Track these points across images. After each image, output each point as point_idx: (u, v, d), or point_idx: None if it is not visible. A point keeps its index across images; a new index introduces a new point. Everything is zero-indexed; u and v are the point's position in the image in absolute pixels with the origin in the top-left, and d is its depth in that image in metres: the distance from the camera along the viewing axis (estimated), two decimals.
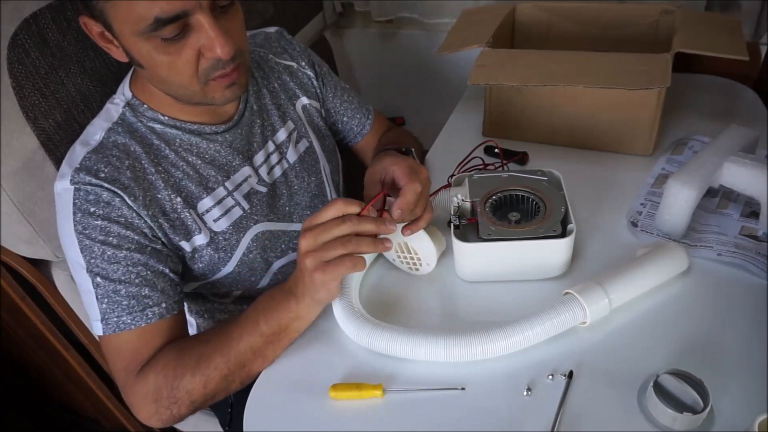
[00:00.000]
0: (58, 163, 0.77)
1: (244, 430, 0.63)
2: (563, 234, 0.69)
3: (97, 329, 0.69)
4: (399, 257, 0.76)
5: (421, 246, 0.73)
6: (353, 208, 0.62)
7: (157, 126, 0.74)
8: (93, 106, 0.81)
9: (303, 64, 0.90)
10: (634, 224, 0.79)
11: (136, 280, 0.68)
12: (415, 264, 0.75)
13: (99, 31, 0.64)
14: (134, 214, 0.69)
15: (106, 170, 0.69)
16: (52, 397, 1.30)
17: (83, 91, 0.81)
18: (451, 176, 0.85)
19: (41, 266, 0.85)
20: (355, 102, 0.97)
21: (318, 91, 0.91)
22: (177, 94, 0.70)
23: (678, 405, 0.56)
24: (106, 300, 0.68)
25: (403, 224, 0.70)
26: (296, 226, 0.85)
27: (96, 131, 0.72)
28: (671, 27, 0.99)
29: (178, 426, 1.08)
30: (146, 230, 0.70)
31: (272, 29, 0.92)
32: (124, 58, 0.67)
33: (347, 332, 0.68)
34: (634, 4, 1.03)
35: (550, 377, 0.62)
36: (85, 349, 0.97)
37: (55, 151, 0.78)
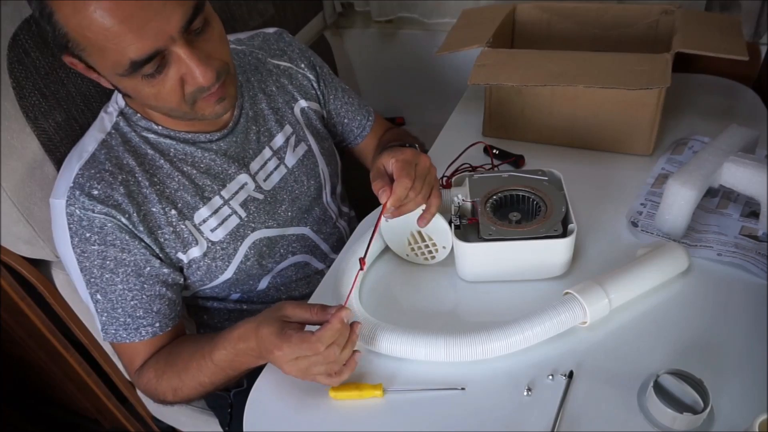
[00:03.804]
0: (58, 163, 0.77)
1: (244, 430, 0.63)
2: (564, 234, 0.69)
3: (101, 334, 0.73)
4: (413, 250, 0.76)
5: (436, 228, 0.72)
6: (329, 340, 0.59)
7: (151, 136, 0.73)
8: (93, 106, 0.81)
9: (302, 66, 0.89)
10: (635, 224, 0.79)
11: (132, 303, 0.70)
12: (430, 252, 0.75)
13: (84, 67, 0.64)
14: (128, 236, 0.69)
15: (99, 187, 0.68)
16: (52, 397, 1.30)
17: (83, 91, 0.81)
18: (442, 178, 0.86)
19: (41, 266, 0.85)
20: (356, 103, 0.97)
21: (318, 93, 0.91)
22: (168, 115, 0.70)
23: (678, 405, 0.56)
24: (105, 314, 0.71)
25: (415, 215, 0.71)
26: (293, 230, 0.85)
27: (89, 142, 0.72)
28: (671, 27, 0.99)
29: (178, 426, 1.08)
30: (143, 249, 0.70)
31: (271, 30, 0.91)
32: (111, 87, 0.67)
33: None
34: (634, 4, 1.03)
35: (550, 377, 0.62)
36: (85, 349, 0.97)
37: (55, 151, 0.78)
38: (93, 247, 0.68)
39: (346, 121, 0.96)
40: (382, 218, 0.74)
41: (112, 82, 0.64)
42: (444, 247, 0.74)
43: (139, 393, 0.91)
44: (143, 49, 0.58)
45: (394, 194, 0.66)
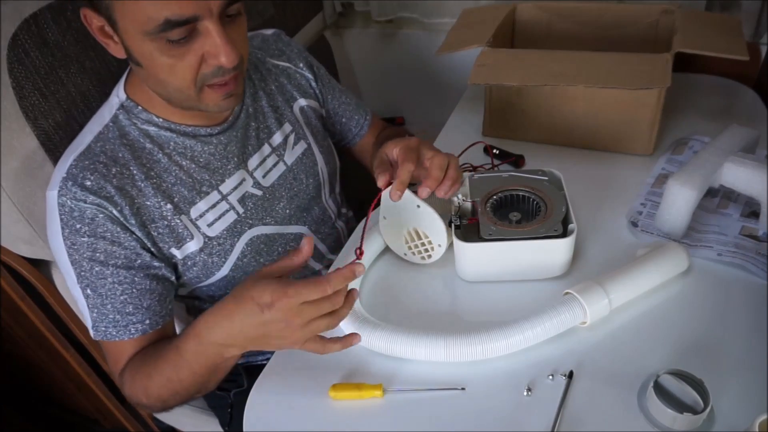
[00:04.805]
0: (57, 162, 0.77)
1: (244, 430, 0.63)
2: (564, 234, 0.69)
3: (91, 332, 0.72)
4: (410, 248, 0.76)
5: (431, 225, 0.73)
6: (339, 285, 0.56)
7: (152, 129, 0.73)
8: (93, 106, 0.81)
9: (301, 65, 0.90)
10: (635, 224, 0.79)
11: (121, 297, 0.69)
12: (426, 250, 0.76)
13: (99, 26, 0.64)
14: (119, 228, 0.69)
15: (92, 178, 0.68)
16: (52, 397, 1.30)
17: (83, 91, 0.81)
18: None
19: (41, 266, 0.85)
20: (353, 103, 0.97)
21: (317, 92, 0.91)
22: (171, 96, 0.69)
23: (678, 405, 0.56)
24: (95, 311, 0.70)
25: (412, 214, 0.71)
26: (292, 229, 0.85)
27: (86, 135, 0.72)
28: (671, 27, 0.99)
29: (178, 426, 1.08)
30: (134, 242, 0.70)
31: (269, 31, 0.91)
32: (121, 55, 0.66)
33: (347, 332, 0.68)
34: (634, 4, 1.03)
35: (551, 377, 0.62)
36: (85, 349, 0.97)
37: (55, 151, 0.78)
38: (83, 238, 0.67)
39: (344, 120, 0.96)
40: (381, 217, 0.75)
41: (128, 45, 0.63)
42: (439, 245, 0.74)
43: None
44: (183, 11, 0.58)
45: (398, 178, 0.68)
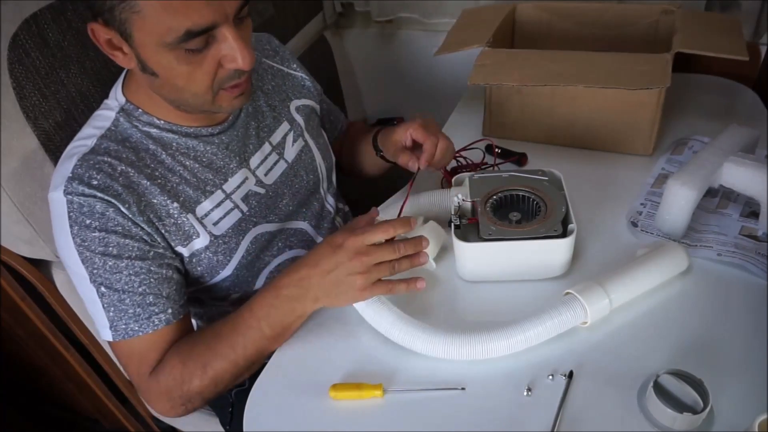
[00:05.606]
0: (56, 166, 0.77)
1: (244, 430, 0.63)
2: (564, 234, 0.69)
3: (105, 335, 0.70)
4: None
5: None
6: (400, 229, 0.65)
7: (153, 130, 0.73)
8: (93, 106, 0.81)
9: (294, 66, 0.91)
10: (635, 224, 0.79)
11: (140, 289, 0.68)
12: None
13: (107, 39, 0.63)
14: (130, 222, 0.68)
15: (98, 177, 0.67)
16: (52, 397, 1.30)
17: (83, 91, 0.81)
18: (442, 180, 0.86)
19: (41, 266, 0.85)
20: (331, 103, 1.02)
21: (314, 91, 0.93)
22: (186, 102, 0.69)
23: (678, 405, 0.56)
24: (112, 309, 0.68)
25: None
26: (292, 224, 0.86)
27: (88, 137, 0.71)
28: (671, 27, 0.99)
29: (178, 426, 1.08)
30: (145, 236, 0.69)
31: (260, 33, 0.92)
32: (130, 65, 0.65)
33: (362, 313, 0.68)
34: (634, 4, 1.03)
35: (551, 377, 0.62)
36: (85, 349, 0.97)
37: (55, 151, 0.78)
38: (94, 233, 0.67)
39: (332, 118, 1.00)
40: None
41: (143, 56, 0.63)
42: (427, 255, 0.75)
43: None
44: (203, 20, 0.59)
45: (427, 152, 0.76)
